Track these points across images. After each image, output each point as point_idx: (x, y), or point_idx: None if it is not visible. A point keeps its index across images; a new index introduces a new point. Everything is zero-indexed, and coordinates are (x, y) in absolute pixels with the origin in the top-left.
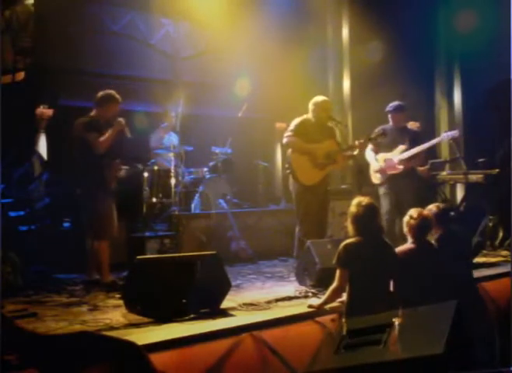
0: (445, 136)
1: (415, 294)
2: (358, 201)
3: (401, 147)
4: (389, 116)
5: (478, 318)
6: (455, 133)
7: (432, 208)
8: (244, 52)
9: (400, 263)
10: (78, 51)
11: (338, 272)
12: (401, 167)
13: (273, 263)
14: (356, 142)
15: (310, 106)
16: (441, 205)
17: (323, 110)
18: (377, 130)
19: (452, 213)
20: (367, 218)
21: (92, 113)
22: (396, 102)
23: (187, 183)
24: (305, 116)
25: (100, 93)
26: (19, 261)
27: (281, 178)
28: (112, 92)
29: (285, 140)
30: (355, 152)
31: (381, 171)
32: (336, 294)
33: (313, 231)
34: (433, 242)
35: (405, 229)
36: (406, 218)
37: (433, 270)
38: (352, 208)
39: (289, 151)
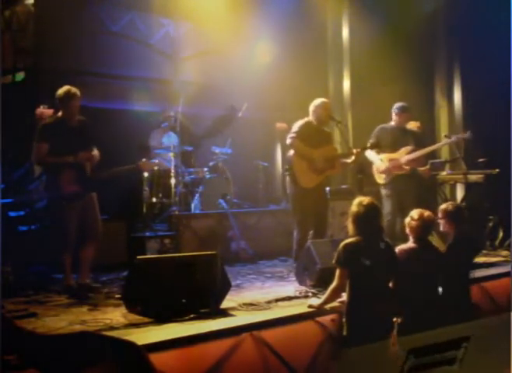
0: (456, 138)
1: (415, 294)
2: (359, 200)
3: (407, 147)
4: (394, 116)
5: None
6: (467, 135)
7: (447, 206)
8: (244, 52)
9: (400, 262)
10: (78, 51)
11: (337, 271)
12: (407, 168)
13: (273, 263)
14: (354, 150)
15: (311, 108)
16: (456, 204)
17: (323, 110)
18: (377, 130)
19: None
20: (368, 218)
21: (59, 114)
22: (402, 103)
23: (187, 183)
24: (307, 119)
25: (61, 91)
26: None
27: (281, 178)
28: (72, 88)
29: (288, 141)
30: (351, 160)
31: (387, 171)
32: (336, 293)
33: (313, 233)
34: (449, 241)
35: (407, 230)
36: (407, 220)
37: (432, 270)
38: (354, 207)
39: (291, 152)
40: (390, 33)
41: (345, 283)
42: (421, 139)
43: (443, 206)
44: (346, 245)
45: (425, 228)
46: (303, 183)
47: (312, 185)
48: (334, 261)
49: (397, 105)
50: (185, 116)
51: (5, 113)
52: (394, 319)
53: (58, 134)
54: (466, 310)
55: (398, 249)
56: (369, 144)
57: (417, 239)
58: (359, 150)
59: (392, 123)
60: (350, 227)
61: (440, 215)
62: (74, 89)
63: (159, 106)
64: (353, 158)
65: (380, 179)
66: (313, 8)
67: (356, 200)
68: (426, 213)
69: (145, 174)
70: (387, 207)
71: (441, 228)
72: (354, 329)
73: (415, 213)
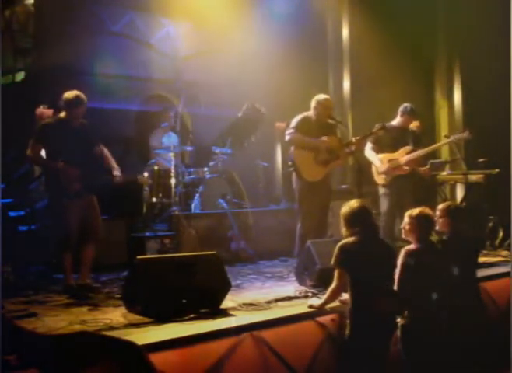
0: (454, 138)
1: (419, 295)
2: (348, 203)
3: (406, 147)
4: (401, 116)
5: (477, 319)
6: (465, 134)
7: (445, 205)
8: (244, 52)
9: (405, 263)
10: (78, 51)
11: (336, 272)
12: (407, 168)
13: (273, 263)
14: (353, 139)
15: (313, 103)
16: (454, 203)
17: (324, 109)
18: (377, 125)
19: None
20: (358, 218)
21: (62, 115)
22: (411, 106)
23: (187, 183)
24: (306, 114)
25: (70, 95)
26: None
27: (281, 178)
28: (81, 94)
29: (287, 137)
30: (353, 148)
31: (387, 172)
32: (336, 294)
33: (314, 229)
34: (444, 237)
35: (405, 231)
36: (405, 220)
37: (436, 270)
38: (343, 210)
39: (292, 148)
40: (390, 32)
41: (345, 283)
42: (419, 139)
43: (440, 205)
44: (342, 245)
45: (425, 225)
46: (309, 177)
47: (318, 178)
48: (331, 262)
49: (406, 106)
50: (186, 116)
51: (5, 113)
52: (398, 320)
53: (58, 135)
54: (476, 310)
55: (403, 250)
56: (374, 129)
57: (418, 240)
58: (358, 138)
59: (393, 122)
60: (343, 229)
61: (437, 214)
62: (83, 96)
63: (159, 106)
64: (353, 147)
65: (380, 179)
66: (313, 8)
67: (346, 204)
68: (425, 210)
69: (146, 174)
70: (384, 207)
71: (438, 227)
72: (357, 330)
73: (412, 212)
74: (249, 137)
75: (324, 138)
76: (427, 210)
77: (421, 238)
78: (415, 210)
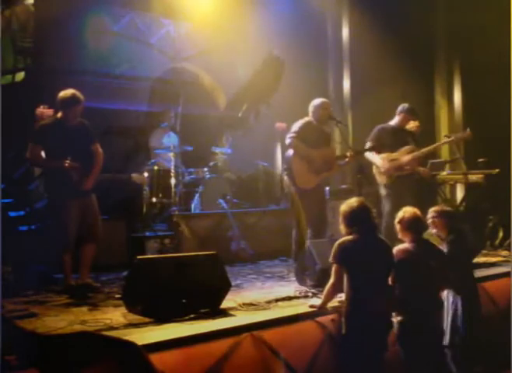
0: (455, 137)
1: (414, 294)
2: (347, 201)
3: (407, 147)
4: (398, 114)
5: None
6: (466, 134)
7: (439, 207)
8: (244, 52)
9: (398, 262)
10: (78, 51)
11: (333, 269)
12: (408, 168)
13: (273, 263)
14: (347, 153)
15: (310, 108)
16: (444, 207)
17: (323, 110)
18: (376, 130)
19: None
20: (358, 216)
21: (59, 115)
22: (410, 106)
23: (187, 183)
24: (307, 119)
25: (65, 94)
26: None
27: (279, 178)
28: (77, 93)
29: (288, 141)
30: (346, 161)
31: (388, 172)
32: (333, 290)
33: (312, 232)
34: (442, 237)
35: (399, 233)
36: (396, 228)
37: (432, 269)
38: (342, 207)
39: (290, 152)
40: (390, 32)
41: (341, 279)
42: (417, 139)
43: (435, 207)
44: (341, 243)
45: (409, 228)
46: (301, 184)
47: (310, 186)
48: (330, 259)
49: (404, 105)
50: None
51: (5, 113)
52: (394, 318)
53: (55, 136)
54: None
55: (395, 249)
56: (366, 147)
57: (412, 239)
58: (352, 153)
59: (392, 123)
60: (342, 227)
61: (431, 215)
62: (79, 94)
63: (159, 106)
64: (346, 160)
65: (382, 179)
66: (313, 8)
67: (345, 202)
68: (406, 213)
69: (146, 174)
70: (386, 208)
71: (431, 228)
72: (353, 328)
73: (401, 213)
74: (269, 96)
75: (321, 150)
76: (408, 211)
77: (413, 239)
78: (398, 217)
